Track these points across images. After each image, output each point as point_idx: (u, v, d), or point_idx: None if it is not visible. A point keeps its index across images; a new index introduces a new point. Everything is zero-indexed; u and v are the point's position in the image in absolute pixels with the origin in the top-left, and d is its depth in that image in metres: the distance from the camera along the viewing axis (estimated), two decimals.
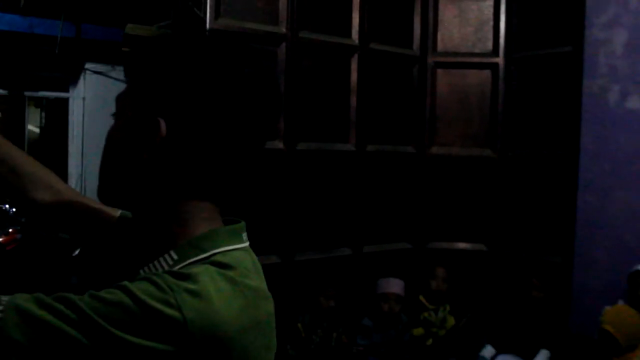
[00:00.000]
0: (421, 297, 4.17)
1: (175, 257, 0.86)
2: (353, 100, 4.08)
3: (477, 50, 4.46)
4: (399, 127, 4.38)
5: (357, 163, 4.12)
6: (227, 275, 0.82)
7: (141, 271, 0.86)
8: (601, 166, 3.77)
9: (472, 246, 4.51)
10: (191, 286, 0.77)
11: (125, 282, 0.77)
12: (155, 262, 0.87)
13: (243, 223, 0.97)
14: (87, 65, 4.39)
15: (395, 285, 3.95)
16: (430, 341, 4.06)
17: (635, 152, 3.63)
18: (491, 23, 4.42)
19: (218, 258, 0.85)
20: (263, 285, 0.92)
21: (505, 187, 4.39)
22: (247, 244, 0.95)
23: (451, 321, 4.09)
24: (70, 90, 4.19)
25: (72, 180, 6.54)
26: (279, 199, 3.77)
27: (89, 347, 0.73)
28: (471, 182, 4.49)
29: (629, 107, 3.67)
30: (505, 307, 4.09)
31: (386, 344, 3.91)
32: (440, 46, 4.48)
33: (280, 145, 3.76)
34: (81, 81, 4.38)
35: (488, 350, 3.86)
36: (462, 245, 4.53)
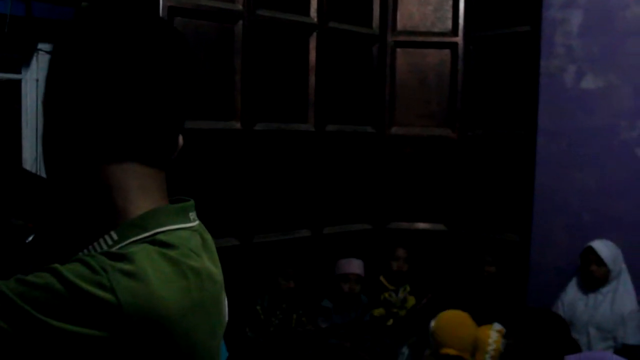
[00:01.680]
0: (381, 278, 4.17)
1: (115, 237, 0.80)
2: (312, 80, 4.02)
3: (436, 30, 4.44)
4: (358, 107, 4.35)
5: (316, 143, 4.08)
6: (167, 255, 0.77)
7: (80, 254, 0.80)
8: (558, 146, 3.80)
9: (432, 226, 4.52)
10: (126, 267, 0.71)
11: (55, 265, 0.71)
12: (95, 244, 0.81)
13: (192, 202, 0.92)
14: (40, 46, 4.21)
15: (355, 266, 3.94)
16: (390, 321, 4.08)
17: (590, 131, 3.67)
18: (450, 2, 4.41)
19: (160, 237, 0.80)
20: (210, 266, 0.86)
21: (464, 167, 4.41)
22: (195, 223, 0.90)
23: (411, 301, 4.11)
24: (23, 72, 4.03)
25: (27, 166, 6.33)
26: (237, 180, 3.70)
27: (13, 335, 0.67)
28: (431, 162, 4.49)
29: (585, 87, 3.70)
30: (462, 284, 4.12)
31: (346, 325, 3.90)
32: (399, 25, 4.45)
33: (237, 125, 3.68)
34: (34, 62, 4.20)
35: None
36: (422, 225, 4.54)
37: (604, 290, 3.37)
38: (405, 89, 4.48)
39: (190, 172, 3.48)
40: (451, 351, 2.55)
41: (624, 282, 3.38)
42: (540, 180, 3.89)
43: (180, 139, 0.93)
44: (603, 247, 3.39)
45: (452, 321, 2.77)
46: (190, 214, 0.90)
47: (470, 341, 2.69)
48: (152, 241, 0.78)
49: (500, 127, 4.22)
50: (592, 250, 3.40)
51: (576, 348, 2.81)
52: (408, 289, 4.14)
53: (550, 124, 3.82)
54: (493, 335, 2.75)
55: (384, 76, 4.43)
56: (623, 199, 3.53)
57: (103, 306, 0.69)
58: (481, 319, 3.85)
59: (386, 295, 4.12)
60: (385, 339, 3.94)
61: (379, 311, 4.07)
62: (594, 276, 3.38)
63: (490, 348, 2.74)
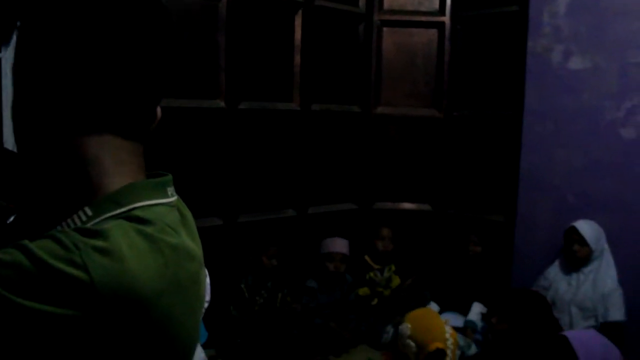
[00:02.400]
0: (366, 257, 4.17)
1: (89, 213, 0.76)
2: (297, 59, 3.97)
3: (423, 9, 4.40)
4: (344, 87, 4.31)
5: (301, 123, 4.04)
6: (144, 231, 0.73)
7: (52, 230, 0.76)
8: (544, 126, 3.79)
9: (418, 206, 4.52)
10: (101, 243, 0.68)
11: (25, 241, 0.68)
12: (69, 220, 0.77)
13: (170, 176, 0.88)
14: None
15: (340, 245, 3.93)
16: (375, 301, 4.08)
17: (576, 112, 3.66)
18: None
19: (136, 213, 0.76)
20: (190, 243, 0.83)
21: (450, 147, 4.40)
22: (173, 199, 0.86)
23: (396, 281, 4.12)
24: (2, 51, 3.94)
25: (8, 146, 6.25)
26: (221, 159, 3.67)
27: None
28: (417, 142, 4.48)
29: (571, 68, 3.68)
30: (447, 263, 4.14)
31: (331, 304, 3.90)
32: (386, 4, 4.40)
33: (221, 104, 3.64)
34: (13, 41, 4.11)
35: (432, 308, 3.89)
36: (407, 205, 4.53)
37: (586, 269, 3.39)
38: (391, 68, 4.44)
39: (173, 151, 3.44)
40: (440, 344, 2.42)
41: (606, 262, 3.40)
42: (525, 160, 3.88)
43: (159, 111, 0.88)
44: (586, 227, 3.41)
45: (427, 317, 2.64)
46: (168, 189, 0.86)
47: (442, 330, 2.54)
48: (128, 217, 0.75)
49: (487, 107, 4.21)
50: (575, 230, 3.41)
51: (557, 327, 2.83)
52: (393, 268, 4.15)
53: (537, 104, 3.81)
54: (448, 329, 2.60)
55: (370, 55, 4.39)
56: (608, 179, 3.54)
57: (75, 284, 0.65)
58: (465, 299, 3.88)
59: (371, 274, 4.12)
60: (370, 319, 3.95)
61: (363, 290, 4.07)
62: (576, 256, 3.39)
63: (449, 342, 2.59)
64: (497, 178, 4.15)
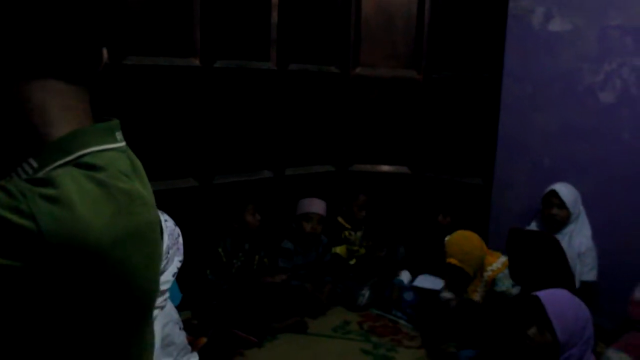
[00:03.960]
0: (340, 219, 4.17)
1: (35, 164, 0.72)
2: (274, 17, 3.88)
3: None
4: (322, 47, 4.23)
5: (278, 83, 3.97)
6: (95, 177, 0.70)
7: None
8: (523, 89, 3.77)
9: (395, 169, 4.51)
10: (49, 191, 0.65)
11: None
12: (13, 174, 0.73)
13: (117, 121, 0.84)
14: None
15: (317, 206, 3.91)
16: (353, 261, 4.10)
17: (555, 75, 3.64)
18: None
19: (85, 159, 0.73)
20: (143, 190, 0.80)
21: (429, 109, 4.37)
22: (122, 144, 0.82)
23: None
24: None
25: None
26: (196, 119, 3.60)
27: None
28: (395, 104, 4.44)
29: (552, 30, 3.64)
30: (421, 230, 4.14)
31: (307, 265, 3.90)
32: None
33: (196, 62, 3.55)
34: None
35: (405, 275, 3.91)
36: (385, 167, 4.52)
37: (563, 231, 3.41)
38: (370, 29, 4.37)
39: (146, 110, 3.37)
40: (453, 261, 3.01)
41: (581, 224, 3.43)
42: (504, 123, 3.87)
43: (105, 53, 0.83)
44: (565, 190, 3.42)
45: (461, 238, 3.17)
46: (117, 133, 0.82)
47: (475, 258, 3.10)
48: (78, 164, 0.72)
49: (466, 69, 4.17)
50: (554, 193, 3.42)
51: (568, 273, 2.86)
52: (363, 228, 4.17)
53: (516, 66, 3.78)
54: (497, 263, 3.18)
55: (349, 15, 4.31)
56: (585, 143, 3.54)
57: (21, 234, 0.62)
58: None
59: (346, 233, 4.13)
60: (347, 282, 3.95)
61: (341, 249, 4.08)
62: (555, 219, 3.41)
63: (489, 268, 3.20)
64: (475, 141, 4.15)
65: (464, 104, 4.20)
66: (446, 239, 3.24)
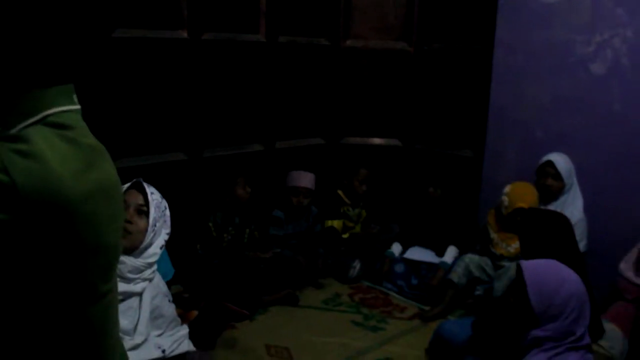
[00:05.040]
0: (340, 192, 4.16)
1: None
2: None
3: None
4: (312, 18, 4.18)
5: (268, 55, 3.93)
6: (65, 135, 0.73)
7: None
8: (515, 61, 3.75)
9: (386, 141, 4.50)
10: (22, 146, 0.67)
11: None
12: None
13: (71, 85, 0.87)
14: None
15: (305, 180, 3.90)
16: (347, 235, 4.11)
17: (547, 46, 3.61)
18: None
19: (53, 119, 0.75)
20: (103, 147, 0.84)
21: (420, 81, 4.34)
22: (79, 106, 0.85)
23: (364, 214, 4.15)
24: None
25: None
26: (184, 93, 3.56)
27: None
28: (386, 76, 4.41)
29: (544, 1, 3.61)
30: (412, 203, 4.14)
31: (298, 235, 3.91)
32: None
33: (184, 34, 3.51)
34: None
35: (396, 247, 3.92)
36: (376, 140, 4.51)
37: (555, 203, 3.42)
38: (361, 0, 4.32)
39: (134, 83, 3.33)
40: (524, 204, 3.23)
41: (573, 195, 3.44)
42: (495, 95, 3.85)
43: None
44: (561, 161, 3.42)
45: (524, 185, 3.41)
46: (73, 96, 0.85)
47: (535, 201, 3.32)
48: (46, 123, 0.74)
49: (458, 40, 4.14)
50: (550, 164, 3.41)
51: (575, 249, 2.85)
52: (362, 204, 4.17)
53: (508, 37, 3.75)
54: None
55: None
56: (576, 115, 3.53)
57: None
58: (434, 238, 3.91)
59: (345, 209, 4.13)
60: (339, 255, 3.97)
61: (338, 223, 4.08)
62: (549, 189, 3.41)
63: (513, 245, 3.45)
64: (466, 113, 4.13)
65: (455, 76, 4.18)
66: (507, 190, 3.42)
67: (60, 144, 0.71)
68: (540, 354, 1.95)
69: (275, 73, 4.00)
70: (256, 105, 3.95)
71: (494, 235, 3.55)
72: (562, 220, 2.78)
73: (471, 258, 3.50)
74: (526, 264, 2.08)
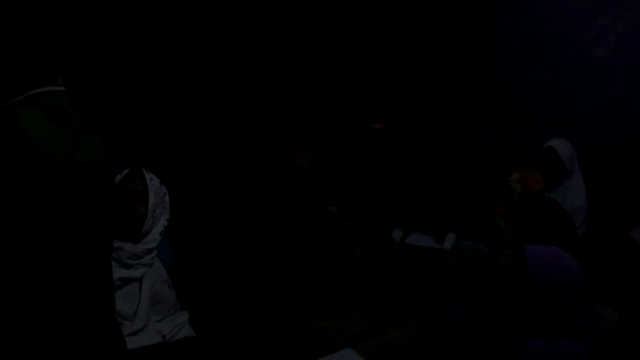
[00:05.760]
0: (337, 178, 4.16)
1: None
2: None
3: None
4: None
5: None
6: (53, 115, 0.74)
7: None
8: (517, 44, 3.73)
9: (384, 126, 4.47)
10: (11, 125, 0.68)
11: None
12: None
13: (55, 66, 0.87)
14: None
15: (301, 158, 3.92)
16: (346, 222, 4.10)
17: (550, 29, 3.60)
18: None
19: (38, 99, 0.76)
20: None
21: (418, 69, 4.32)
22: (63, 88, 0.84)
23: None
24: None
25: None
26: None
27: None
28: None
29: None
30: (410, 192, 4.14)
31: None
32: None
33: None
34: None
35: (397, 233, 3.92)
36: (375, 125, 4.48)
37: (558, 188, 3.41)
38: None
39: None
40: (540, 187, 3.19)
41: (575, 180, 3.42)
42: (497, 78, 3.83)
43: None
44: (562, 147, 3.40)
45: (531, 171, 3.31)
46: (58, 78, 0.85)
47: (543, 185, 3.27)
48: (33, 103, 0.74)
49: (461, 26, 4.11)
50: (552, 150, 3.40)
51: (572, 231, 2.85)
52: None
53: (511, 21, 3.72)
54: None
55: None
56: (578, 98, 3.51)
57: None
58: (434, 227, 3.92)
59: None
60: (339, 240, 3.97)
61: (335, 208, 4.08)
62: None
63: None
64: (468, 95, 4.11)
65: (458, 61, 4.16)
66: (516, 177, 3.35)
67: (49, 123, 0.72)
68: (538, 340, 1.95)
69: None
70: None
71: (500, 222, 3.53)
72: (554, 205, 2.80)
73: (468, 245, 3.50)
74: (530, 248, 2.06)
